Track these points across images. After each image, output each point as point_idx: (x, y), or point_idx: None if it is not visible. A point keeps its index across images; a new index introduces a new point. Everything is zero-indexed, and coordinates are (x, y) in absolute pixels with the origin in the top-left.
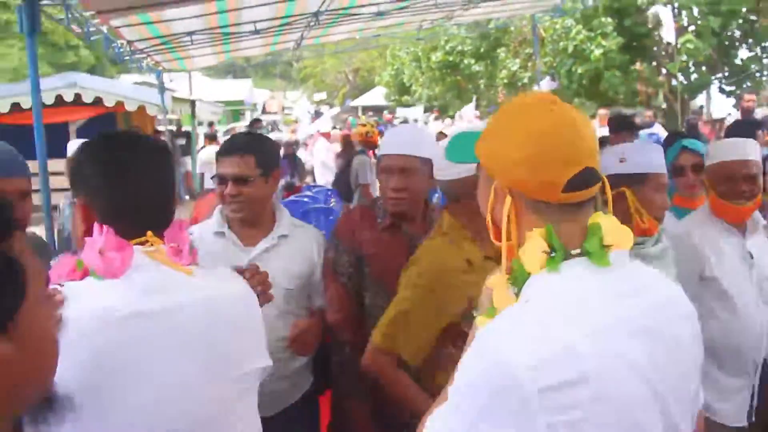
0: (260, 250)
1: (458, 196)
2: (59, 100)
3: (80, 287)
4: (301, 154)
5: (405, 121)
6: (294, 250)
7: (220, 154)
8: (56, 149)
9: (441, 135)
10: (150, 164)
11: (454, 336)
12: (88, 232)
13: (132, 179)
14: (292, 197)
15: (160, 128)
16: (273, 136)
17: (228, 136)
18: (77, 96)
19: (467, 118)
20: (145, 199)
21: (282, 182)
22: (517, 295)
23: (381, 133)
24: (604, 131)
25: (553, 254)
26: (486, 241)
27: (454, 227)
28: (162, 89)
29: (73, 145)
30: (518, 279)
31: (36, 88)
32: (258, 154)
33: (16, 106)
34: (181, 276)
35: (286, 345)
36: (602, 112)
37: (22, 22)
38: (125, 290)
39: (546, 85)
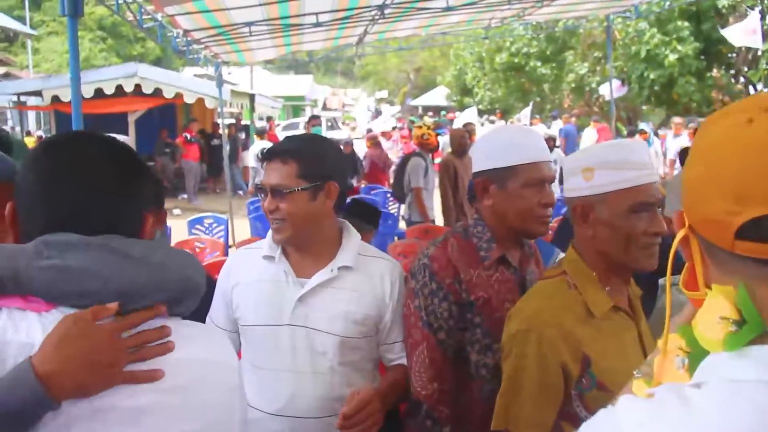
0: (314, 284)
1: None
2: (119, 90)
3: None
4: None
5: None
6: (358, 286)
7: (262, 159)
8: None
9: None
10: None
11: (566, 408)
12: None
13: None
14: (349, 198)
15: (218, 121)
16: (332, 134)
17: (287, 132)
18: (137, 87)
19: (524, 122)
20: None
21: None
22: (688, 371)
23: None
24: (681, 141)
25: (738, 328)
26: (616, 285)
27: (575, 265)
28: (220, 82)
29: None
30: (691, 352)
31: (76, 76)
32: (304, 161)
33: None
34: None
35: (338, 422)
36: (677, 120)
37: (65, 4)
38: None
39: (615, 90)
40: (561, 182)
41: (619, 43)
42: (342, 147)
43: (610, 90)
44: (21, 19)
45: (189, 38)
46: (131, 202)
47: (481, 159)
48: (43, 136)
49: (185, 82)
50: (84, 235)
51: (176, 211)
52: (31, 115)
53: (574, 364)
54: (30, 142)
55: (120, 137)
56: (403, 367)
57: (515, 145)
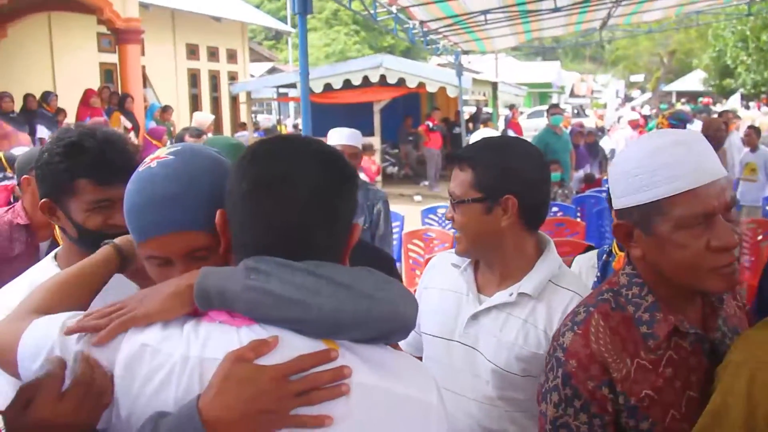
0: (489, 305)
1: None
2: (366, 81)
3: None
4: (604, 142)
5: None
6: (533, 319)
7: (448, 162)
8: (362, 129)
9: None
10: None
11: None
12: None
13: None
14: (588, 191)
15: (460, 109)
16: (578, 121)
17: (531, 120)
18: (382, 77)
19: None
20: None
21: (581, 174)
22: None
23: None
24: None
25: None
26: None
27: None
28: (459, 71)
29: (334, 134)
30: None
31: (305, 71)
32: (480, 170)
33: (328, 87)
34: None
35: None
36: None
37: (295, 4)
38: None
39: None
40: None
41: None
42: (585, 136)
43: None
44: (284, 19)
45: (426, 29)
46: (340, 216)
47: (616, 193)
48: (298, 124)
49: (427, 72)
50: (290, 258)
51: (417, 198)
52: (291, 105)
53: None
54: (282, 129)
55: (348, 131)
56: None
57: (655, 167)
